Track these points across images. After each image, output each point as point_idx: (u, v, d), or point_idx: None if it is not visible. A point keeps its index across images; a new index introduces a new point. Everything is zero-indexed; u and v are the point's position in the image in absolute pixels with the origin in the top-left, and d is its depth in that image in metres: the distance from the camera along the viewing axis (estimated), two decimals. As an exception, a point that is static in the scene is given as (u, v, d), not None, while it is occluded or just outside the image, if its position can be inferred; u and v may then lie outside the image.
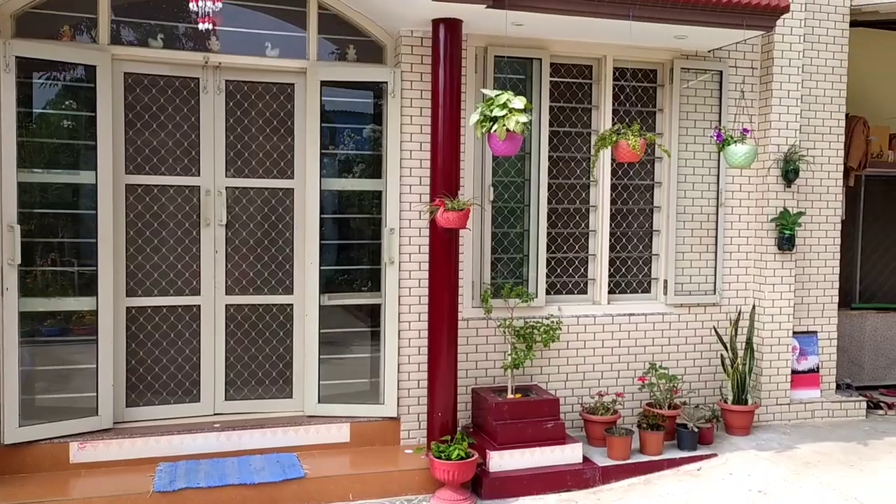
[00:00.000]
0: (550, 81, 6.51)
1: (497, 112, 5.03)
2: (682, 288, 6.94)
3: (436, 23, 5.68)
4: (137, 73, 5.78)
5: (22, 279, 5.40)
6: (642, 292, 6.97)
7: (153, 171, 5.86)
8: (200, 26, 4.72)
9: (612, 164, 6.72)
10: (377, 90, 6.27)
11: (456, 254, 5.80)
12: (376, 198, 6.29)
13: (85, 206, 5.66)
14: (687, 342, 6.93)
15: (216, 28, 5.74)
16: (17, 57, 5.26)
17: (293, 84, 6.13)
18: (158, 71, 5.83)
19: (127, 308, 5.80)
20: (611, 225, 6.79)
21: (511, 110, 5.00)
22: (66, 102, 5.69)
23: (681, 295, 6.92)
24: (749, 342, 6.74)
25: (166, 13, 5.84)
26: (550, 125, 6.56)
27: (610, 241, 6.79)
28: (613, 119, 6.67)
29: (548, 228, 6.58)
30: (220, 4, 4.66)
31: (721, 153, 6.13)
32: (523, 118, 4.99)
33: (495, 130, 5.01)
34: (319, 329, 6.12)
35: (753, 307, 6.97)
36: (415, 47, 6.04)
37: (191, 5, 4.63)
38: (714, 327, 6.96)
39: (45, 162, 5.58)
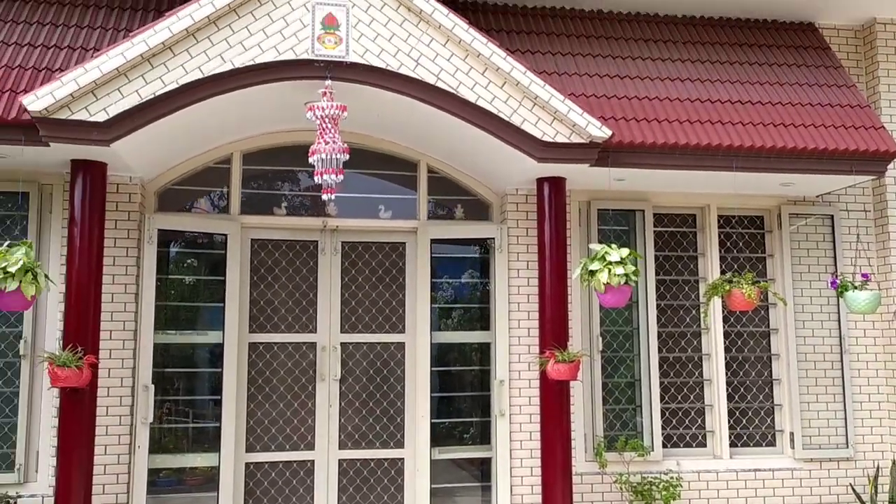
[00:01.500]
0: (654, 231, 6.59)
1: (594, 266, 5.15)
2: (810, 441, 6.54)
3: (540, 181, 5.92)
4: (263, 239, 6.23)
5: (153, 436, 5.67)
6: (766, 445, 6.59)
7: (274, 329, 6.16)
8: (324, 197, 5.11)
9: (723, 312, 6.59)
10: (484, 245, 6.49)
11: (567, 405, 5.72)
12: (485, 349, 6.36)
13: (211, 364, 5.98)
14: (821, 501, 6.43)
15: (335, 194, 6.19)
16: (158, 229, 5.80)
17: (404, 242, 6.44)
18: (281, 236, 6.26)
19: (246, 464, 5.94)
20: (727, 374, 6.57)
21: (609, 263, 5.10)
22: (198, 267, 6.16)
23: (810, 448, 6.50)
24: (892, 502, 6.19)
25: (290, 183, 6.35)
26: (657, 274, 6.56)
27: (727, 390, 6.54)
28: (721, 266, 6.61)
29: (660, 378, 6.43)
30: (341, 176, 5.05)
31: (840, 298, 5.93)
32: (620, 270, 5.07)
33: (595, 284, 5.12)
34: (430, 484, 6.06)
35: (894, 462, 6.44)
36: (520, 204, 6.28)
37: (315, 178, 5.03)
38: (850, 484, 6.45)
39: (177, 323, 5.99)
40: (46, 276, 4.82)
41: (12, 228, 5.67)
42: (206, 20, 4.98)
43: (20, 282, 4.56)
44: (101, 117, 4.85)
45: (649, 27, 6.72)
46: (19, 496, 5.31)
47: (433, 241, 6.35)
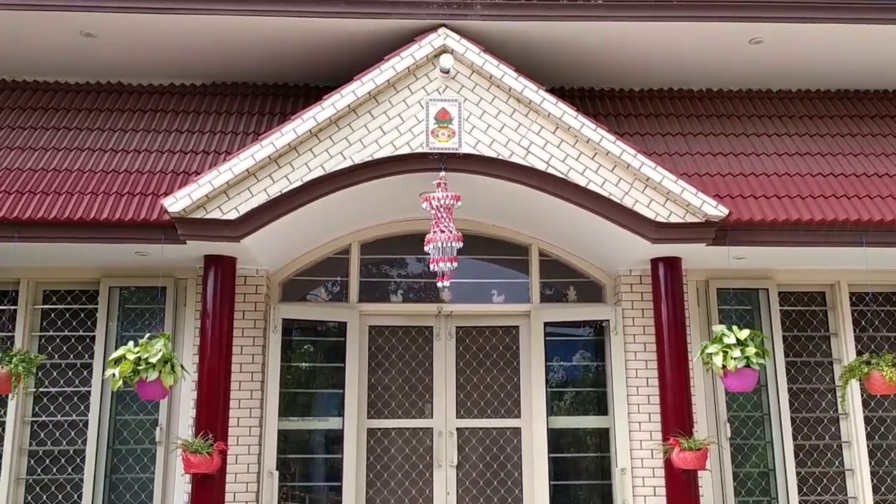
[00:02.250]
0: (780, 310, 6.30)
1: (711, 348, 4.97)
2: (973, 539, 5.91)
3: (655, 261, 5.83)
4: (380, 325, 6.37)
5: (275, 522, 5.78)
6: (922, 543, 6.01)
7: (391, 415, 6.23)
8: (439, 284, 5.22)
9: (862, 396, 6.16)
10: (598, 326, 6.39)
11: (696, 497, 5.43)
12: (603, 435, 6.18)
13: (331, 450, 6.08)
14: None
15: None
16: (283, 318, 6.05)
17: (517, 326, 6.43)
18: (397, 322, 6.39)
19: (366, 553, 5.95)
20: (871, 463, 6.09)
21: (727, 346, 4.91)
22: (318, 354, 6.36)
23: (974, 547, 5.88)
24: None
25: (405, 270, 6.52)
26: (786, 355, 6.24)
27: (872, 481, 6.05)
28: (857, 346, 6.23)
29: (796, 467, 6.03)
30: (456, 263, 5.15)
31: None
32: (737, 353, 4.87)
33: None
34: (552, 579, 5.84)
35: None
36: (634, 285, 6.18)
37: (431, 266, 5.15)
38: None
39: (299, 410, 6.16)
40: (182, 367, 5.10)
41: (151, 320, 6.06)
42: (328, 121, 5.30)
43: (160, 372, 4.85)
44: (232, 215, 5.19)
45: (762, 103, 6.63)
46: (152, 581, 5.49)
47: (546, 324, 6.32)
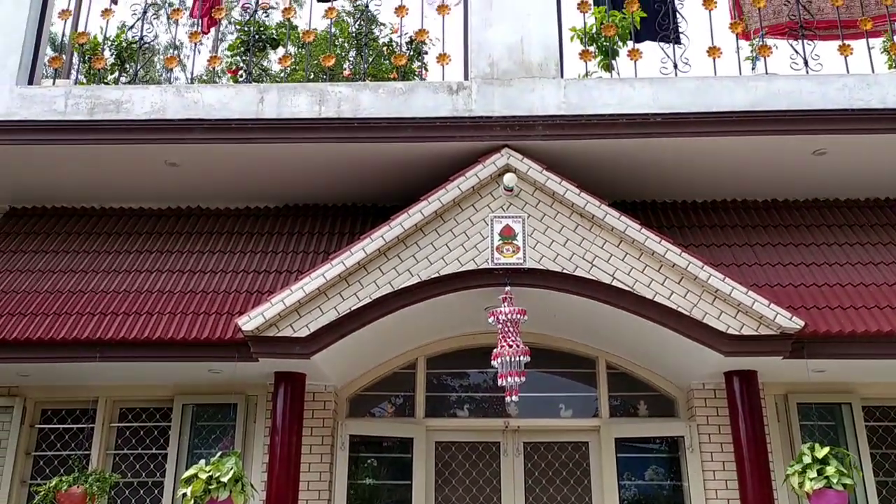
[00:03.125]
0: (867, 426, 5.99)
1: (792, 468, 4.78)
2: None
3: (729, 375, 5.67)
4: (446, 441, 6.29)
5: None
6: None
7: (459, 537, 6.05)
8: (507, 399, 5.17)
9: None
10: (673, 442, 6.17)
11: None
12: (684, 561, 5.85)
13: (398, 573, 5.91)
14: None
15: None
16: (350, 435, 6.04)
17: (587, 442, 6.26)
18: (464, 438, 6.30)
19: None
20: None
21: (807, 465, 4.71)
22: (383, 470, 6.28)
23: None
24: None
25: (472, 385, 6.48)
26: (875, 475, 5.87)
27: None
28: (953, 463, 5.84)
29: None
30: (523, 378, 5.11)
31: None
32: (813, 473, 4.65)
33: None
34: None
35: None
36: (708, 399, 6.00)
37: (499, 381, 5.12)
38: None
39: (366, 530, 6.04)
40: (252, 486, 5.10)
41: (221, 437, 6.12)
42: (396, 240, 5.45)
43: (230, 491, 4.86)
44: (303, 333, 5.31)
45: (829, 211, 6.56)
46: None
47: (618, 441, 6.13)
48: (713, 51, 6.12)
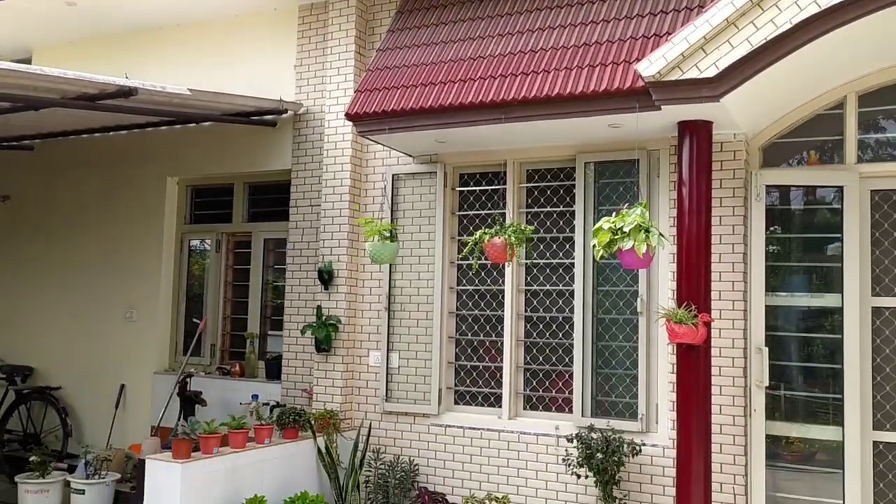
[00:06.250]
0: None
1: None
2: None
3: None
4: (885, 190, 5.41)
5: (767, 402, 5.45)
6: None
7: (902, 293, 5.33)
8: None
9: None
10: None
11: None
12: None
13: (828, 330, 5.47)
14: None
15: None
16: (766, 185, 5.51)
17: None
18: (902, 185, 5.36)
19: (874, 442, 5.27)
20: None
21: None
22: (807, 224, 5.69)
23: None
24: None
25: (916, 122, 5.39)
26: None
27: None
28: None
29: None
30: None
31: None
32: None
33: None
34: None
35: None
36: None
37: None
38: None
39: (787, 285, 5.63)
40: (661, 234, 4.95)
41: (625, 194, 6.04)
42: (824, -55, 4.46)
43: (633, 240, 4.76)
44: (710, 72, 4.76)
45: None
46: (643, 444, 5.64)
47: None
48: None
